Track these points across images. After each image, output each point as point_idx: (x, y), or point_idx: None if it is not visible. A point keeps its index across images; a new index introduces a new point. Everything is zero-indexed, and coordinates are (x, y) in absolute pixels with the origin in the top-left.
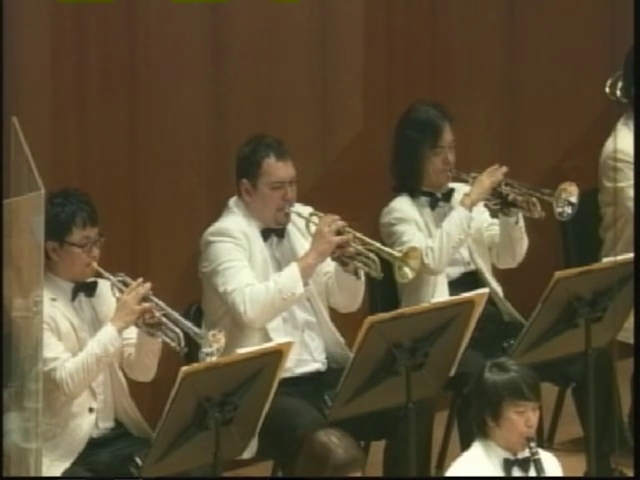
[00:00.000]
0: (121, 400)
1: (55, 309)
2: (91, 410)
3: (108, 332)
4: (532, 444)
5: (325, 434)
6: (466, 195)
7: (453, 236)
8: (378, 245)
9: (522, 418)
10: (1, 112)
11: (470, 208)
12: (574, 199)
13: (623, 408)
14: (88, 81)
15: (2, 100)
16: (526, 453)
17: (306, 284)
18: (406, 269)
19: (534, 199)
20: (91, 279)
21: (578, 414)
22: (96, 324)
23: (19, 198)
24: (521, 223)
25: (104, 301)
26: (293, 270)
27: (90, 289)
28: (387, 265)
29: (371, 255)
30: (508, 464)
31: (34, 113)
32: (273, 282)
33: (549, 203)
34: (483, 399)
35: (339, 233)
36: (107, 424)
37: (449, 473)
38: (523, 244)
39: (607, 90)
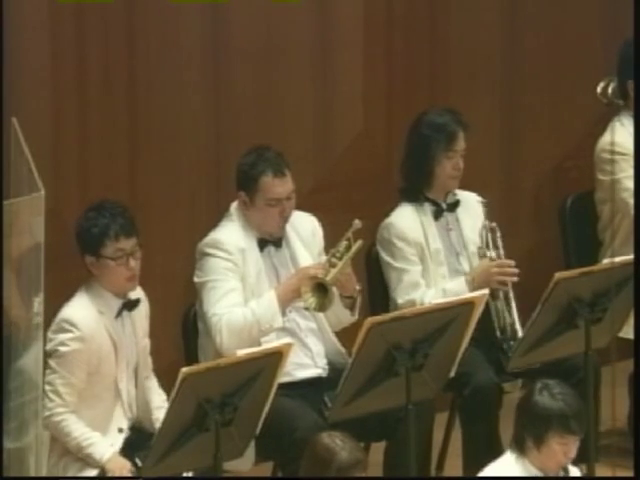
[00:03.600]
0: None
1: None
2: (120, 430)
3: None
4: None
5: (329, 436)
6: (470, 274)
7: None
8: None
9: (563, 449)
10: (1, 112)
11: (469, 288)
12: None
13: (623, 409)
14: (88, 81)
15: (2, 100)
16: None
17: (285, 314)
18: (313, 300)
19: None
20: (136, 296)
21: None
22: (132, 336)
23: (19, 199)
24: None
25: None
26: (272, 302)
27: (134, 305)
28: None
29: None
30: None
31: (34, 113)
32: (251, 312)
33: None
34: (529, 420)
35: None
36: None
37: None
38: None
39: (599, 93)
